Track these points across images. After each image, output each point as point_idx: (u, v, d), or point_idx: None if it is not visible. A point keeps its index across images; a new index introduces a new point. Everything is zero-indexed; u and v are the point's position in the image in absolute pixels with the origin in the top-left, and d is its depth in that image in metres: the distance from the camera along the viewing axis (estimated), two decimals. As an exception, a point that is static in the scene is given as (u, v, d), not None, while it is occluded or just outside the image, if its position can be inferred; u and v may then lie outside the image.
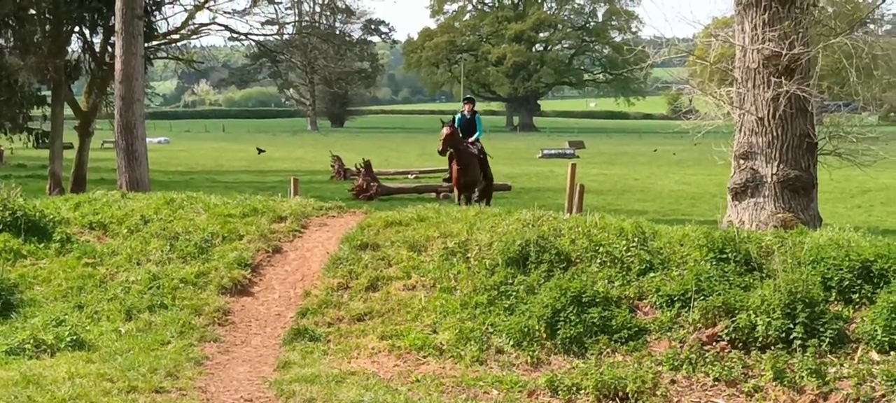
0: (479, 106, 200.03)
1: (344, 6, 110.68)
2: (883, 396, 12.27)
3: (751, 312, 13.51)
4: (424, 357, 14.32)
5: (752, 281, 14.35)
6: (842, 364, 12.81)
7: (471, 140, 29.30)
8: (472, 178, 28.75)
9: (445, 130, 28.39)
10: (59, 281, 17.67)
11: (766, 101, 19.32)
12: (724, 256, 14.90)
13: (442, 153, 28.96)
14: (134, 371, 13.21)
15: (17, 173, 52.37)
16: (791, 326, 13.20)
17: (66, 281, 17.60)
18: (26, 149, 55.17)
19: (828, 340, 13.06)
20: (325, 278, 16.97)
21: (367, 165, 43.19)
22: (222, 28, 55.52)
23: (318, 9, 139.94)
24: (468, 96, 30.87)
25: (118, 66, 31.48)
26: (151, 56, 49.18)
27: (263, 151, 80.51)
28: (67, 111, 48.55)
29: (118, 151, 31.70)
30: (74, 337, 14.97)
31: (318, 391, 12.51)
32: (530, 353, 13.99)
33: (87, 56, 47.89)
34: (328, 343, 15.08)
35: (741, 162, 19.82)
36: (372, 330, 15.21)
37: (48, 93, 50.01)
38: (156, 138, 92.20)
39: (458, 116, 30.38)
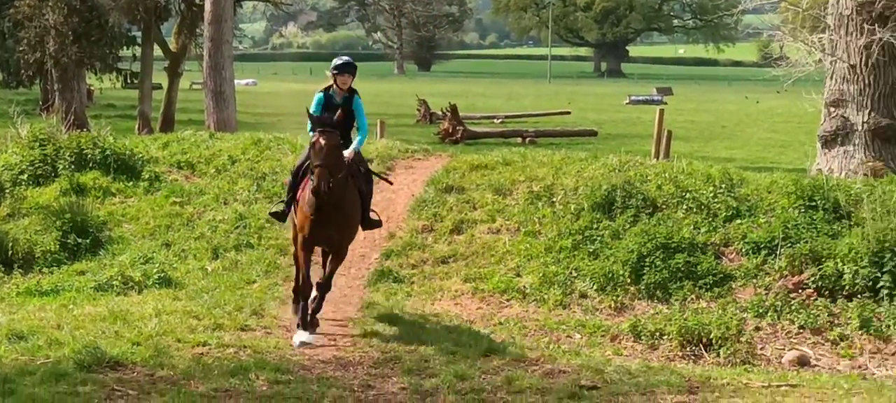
0: (566, 50, 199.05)
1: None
2: (972, 346, 12.14)
3: (838, 260, 13.40)
4: (508, 300, 14.35)
5: (840, 229, 14.23)
6: (930, 314, 12.67)
7: (349, 151, 13.37)
8: (340, 234, 13.17)
9: (322, 140, 12.52)
10: (147, 219, 17.87)
11: (859, 49, 19.06)
12: (813, 204, 14.76)
13: (322, 190, 12.36)
14: (220, 309, 13.36)
15: (107, 113, 52.93)
16: (878, 275, 13.11)
17: (154, 219, 17.80)
18: (115, 89, 55.71)
19: (916, 289, 12.92)
20: (410, 220, 17.00)
21: (453, 109, 43.21)
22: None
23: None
24: (343, 60, 13.59)
25: (208, 7, 31.79)
26: (241, -3, 49.45)
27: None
28: (156, 52, 48.95)
29: (206, 92, 32.05)
30: (162, 275, 15.20)
31: (402, 331, 12.55)
32: (614, 298, 13.98)
33: (177, -3, 48.24)
34: (412, 284, 15.15)
35: (832, 109, 19.58)
36: (455, 273, 15.25)
37: (138, 33, 50.40)
38: (244, 80, 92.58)
39: (319, 95, 13.69)
